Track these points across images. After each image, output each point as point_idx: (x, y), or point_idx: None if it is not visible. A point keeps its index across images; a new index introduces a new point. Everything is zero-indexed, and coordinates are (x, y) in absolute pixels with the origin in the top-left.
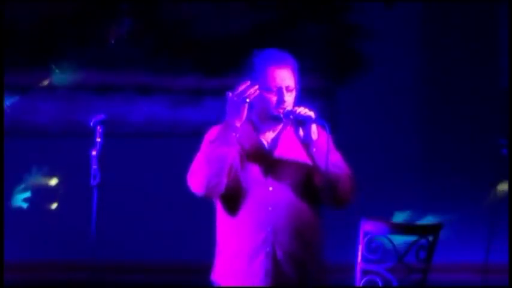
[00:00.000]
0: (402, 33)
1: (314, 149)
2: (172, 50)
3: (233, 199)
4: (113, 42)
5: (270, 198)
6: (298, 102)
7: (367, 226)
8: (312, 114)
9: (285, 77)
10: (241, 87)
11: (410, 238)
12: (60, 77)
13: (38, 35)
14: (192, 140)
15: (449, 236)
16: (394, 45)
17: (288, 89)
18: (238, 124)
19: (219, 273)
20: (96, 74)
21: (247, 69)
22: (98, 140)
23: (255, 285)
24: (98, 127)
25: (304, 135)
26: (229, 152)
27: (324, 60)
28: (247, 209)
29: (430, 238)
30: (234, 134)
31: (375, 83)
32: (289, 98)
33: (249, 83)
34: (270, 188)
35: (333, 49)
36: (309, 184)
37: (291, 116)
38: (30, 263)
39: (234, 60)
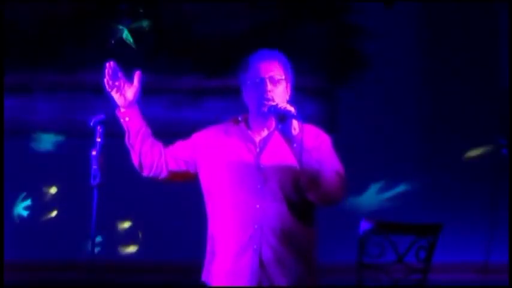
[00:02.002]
0: (402, 33)
1: (295, 145)
2: (172, 50)
3: (221, 196)
4: (113, 42)
5: (258, 195)
6: (292, 97)
7: (367, 226)
8: (292, 109)
9: (269, 69)
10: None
11: (410, 238)
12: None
13: (38, 35)
14: None
15: (449, 236)
16: (394, 45)
17: (271, 80)
18: (122, 110)
19: (207, 272)
20: (96, 74)
21: (239, 70)
22: (98, 140)
23: (242, 286)
24: (98, 127)
25: (284, 130)
26: (129, 139)
27: (324, 60)
28: (235, 206)
29: (430, 238)
30: (121, 120)
31: (375, 83)
32: (275, 89)
33: (107, 67)
34: (259, 186)
35: (333, 49)
36: (299, 183)
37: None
38: (30, 263)
39: (234, 60)
